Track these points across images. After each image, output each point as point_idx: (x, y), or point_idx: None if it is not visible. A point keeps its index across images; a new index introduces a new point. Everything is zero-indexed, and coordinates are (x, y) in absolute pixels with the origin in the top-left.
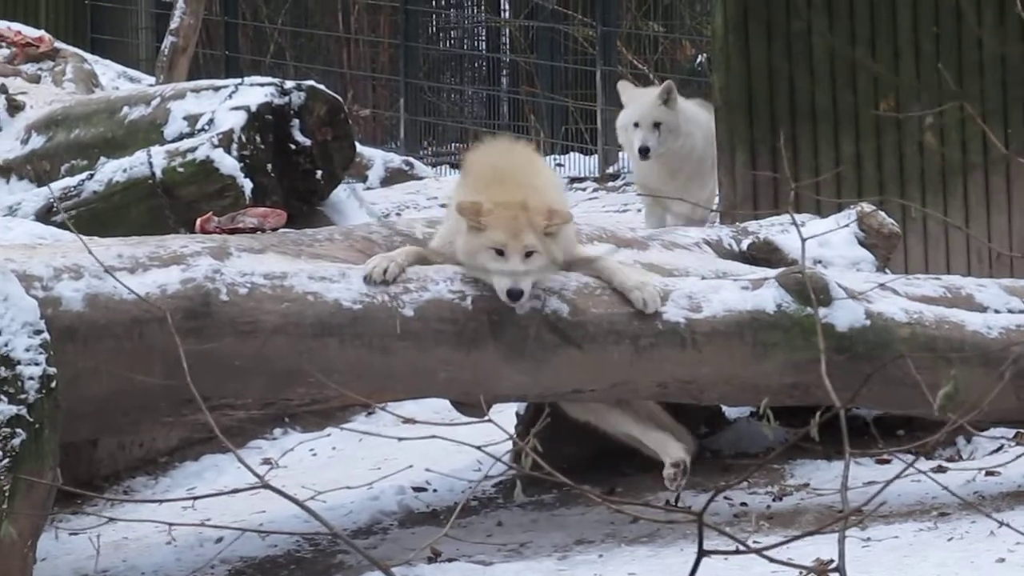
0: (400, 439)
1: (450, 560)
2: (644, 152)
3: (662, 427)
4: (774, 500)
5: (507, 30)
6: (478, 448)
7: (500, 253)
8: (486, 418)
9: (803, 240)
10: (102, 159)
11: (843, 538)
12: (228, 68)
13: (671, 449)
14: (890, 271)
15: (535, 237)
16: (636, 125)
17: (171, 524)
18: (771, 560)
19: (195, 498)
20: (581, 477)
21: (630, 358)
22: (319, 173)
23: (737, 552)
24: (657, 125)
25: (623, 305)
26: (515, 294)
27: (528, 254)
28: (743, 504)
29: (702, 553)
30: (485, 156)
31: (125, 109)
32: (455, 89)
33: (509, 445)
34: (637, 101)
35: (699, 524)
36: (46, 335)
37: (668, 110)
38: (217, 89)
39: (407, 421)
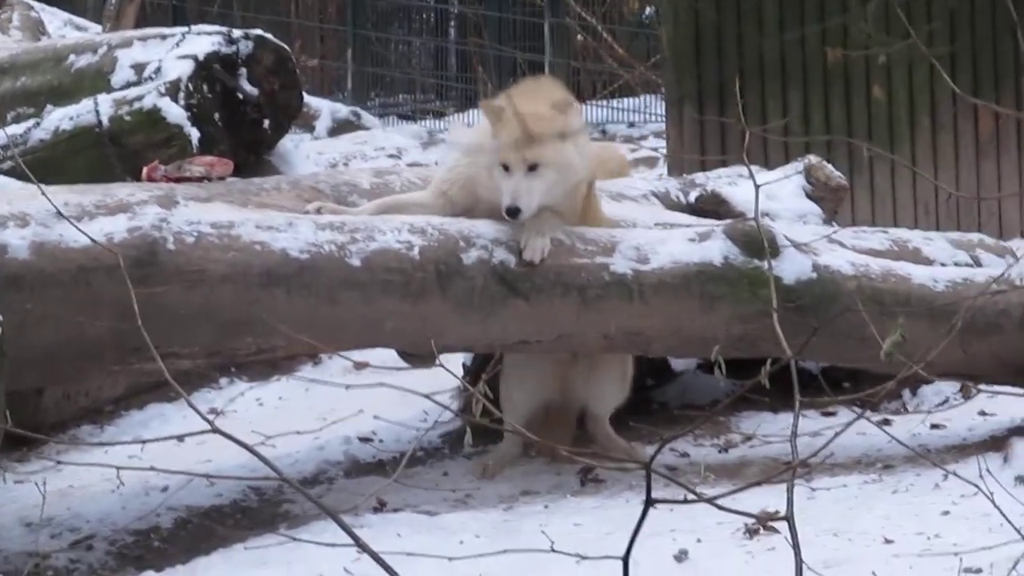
0: (348, 387)
1: (396, 510)
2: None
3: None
4: (720, 452)
5: None
6: (427, 396)
7: (507, 169)
8: (437, 363)
9: (757, 186)
10: (49, 107)
11: (791, 487)
12: (175, 17)
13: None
14: (837, 224)
15: (540, 148)
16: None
17: (119, 468)
18: (721, 508)
19: (143, 441)
20: (526, 430)
21: (577, 310)
22: (266, 123)
23: (686, 501)
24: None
25: (570, 256)
26: (511, 211)
27: (532, 167)
28: (684, 455)
29: (650, 501)
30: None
31: (72, 57)
32: (403, 40)
33: (456, 395)
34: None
35: (647, 473)
36: None
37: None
38: (164, 38)
39: (359, 365)
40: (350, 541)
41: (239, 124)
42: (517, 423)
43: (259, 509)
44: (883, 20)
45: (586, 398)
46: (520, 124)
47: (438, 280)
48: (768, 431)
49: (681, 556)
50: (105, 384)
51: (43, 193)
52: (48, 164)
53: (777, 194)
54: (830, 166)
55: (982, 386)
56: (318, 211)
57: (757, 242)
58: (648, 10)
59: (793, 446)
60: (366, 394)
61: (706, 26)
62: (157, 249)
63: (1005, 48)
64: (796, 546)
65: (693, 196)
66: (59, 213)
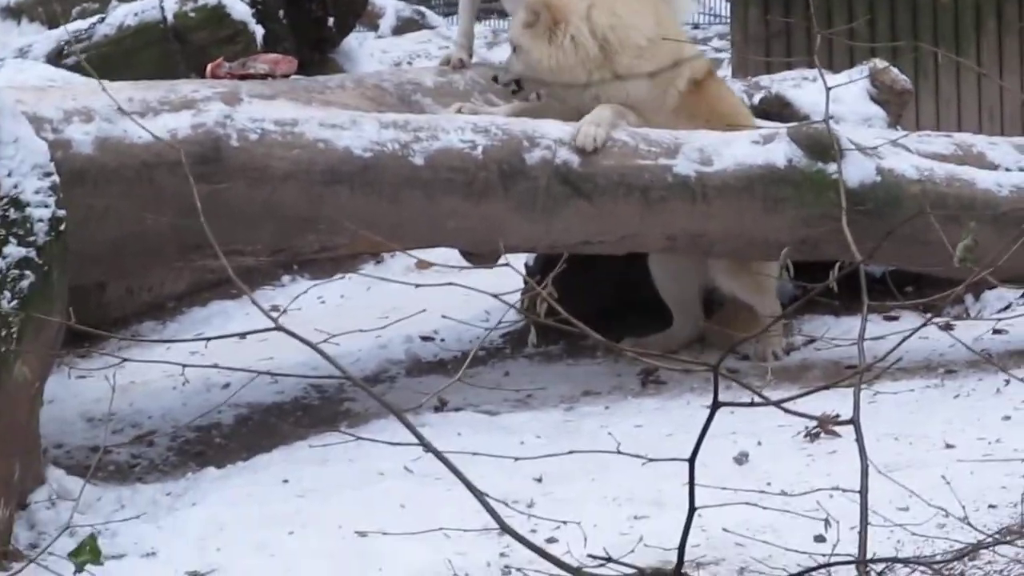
0: (417, 286)
1: (457, 410)
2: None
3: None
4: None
5: None
6: (494, 296)
7: None
8: (503, 263)
9: (828, 89)
10: (114, 2)
11: (858, 391)
12: None
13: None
14: (901, 128)
15: (520, 30)
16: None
17: (184, 365)
18: (788, 412)
19: (207, 339)
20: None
21: (640, 211)
22: (330, 21)
23: (752, 404)
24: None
25: (634, 157)
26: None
27: (513, 49)
28: (745, 357)
29: (717, 404)
30: None
31: None
32: None
33: (518, 296)
34: None
35: (714, 376)
36: (56, 178)
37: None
38: None
39: (422, 264)
40: (411, 439)
41: (303, 22)
42: (675, 309)
43: (320, 407)
44: None
45: (731, 288)
46: None
47: (501, 180)
48: (830, 335)
49: (742, 458)
50: (167, 280)
51: (105, 90)
52: (112, 60)
53: (842, 97)
54: (895, 70)
55: None
56: (459, 111)
57: (821, 145)
58: None
59: (860, 349)
60: (427, 294)
61: None
62: (221, 146)
63: None
64: (862, 449)
65: (757, 98)
66: (121, 110)
